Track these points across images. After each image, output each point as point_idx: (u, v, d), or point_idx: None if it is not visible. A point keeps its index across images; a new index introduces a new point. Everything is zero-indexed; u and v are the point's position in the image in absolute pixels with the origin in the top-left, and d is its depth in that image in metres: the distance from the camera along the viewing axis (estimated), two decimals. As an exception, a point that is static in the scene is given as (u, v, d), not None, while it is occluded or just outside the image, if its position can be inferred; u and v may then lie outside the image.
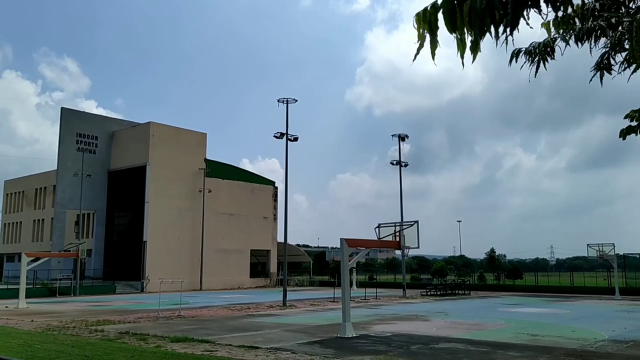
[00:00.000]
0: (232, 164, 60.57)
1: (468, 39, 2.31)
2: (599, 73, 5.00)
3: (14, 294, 33.37)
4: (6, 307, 28.68)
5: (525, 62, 4.73)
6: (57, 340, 13.37)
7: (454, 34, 2.19)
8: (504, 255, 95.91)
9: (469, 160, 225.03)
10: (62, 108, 52.64)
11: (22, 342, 12.53)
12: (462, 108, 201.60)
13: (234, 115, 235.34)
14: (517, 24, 2.24)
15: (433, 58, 2.32)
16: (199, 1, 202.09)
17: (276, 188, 62.77)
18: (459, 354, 12.62)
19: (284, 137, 32.65)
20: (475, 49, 2.33)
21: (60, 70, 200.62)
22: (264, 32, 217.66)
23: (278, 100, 32.19)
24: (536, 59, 4.66)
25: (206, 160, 54.52)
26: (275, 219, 61.29)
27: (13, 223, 68.96)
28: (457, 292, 41.40)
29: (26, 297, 30.13)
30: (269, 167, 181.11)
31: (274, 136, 33.04)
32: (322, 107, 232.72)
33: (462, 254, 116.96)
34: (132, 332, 16.47)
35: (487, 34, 2.28)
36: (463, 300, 35.29)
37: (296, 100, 32.48)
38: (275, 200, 62.04)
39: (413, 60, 2.47)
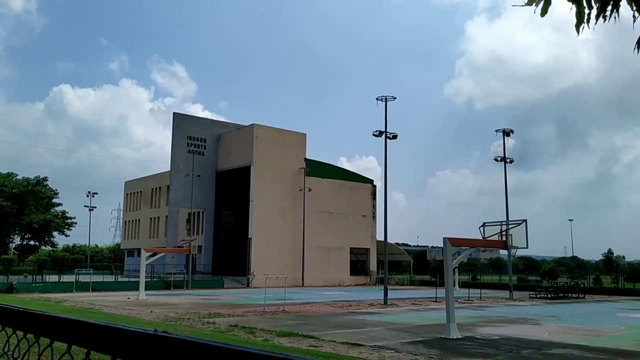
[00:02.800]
0: (331, 163, 61.52)
1: (586, 12, 2.25)
2: None
3: (134, 287, 36.25)
4: (128, 298, 31.26)
5: None
6: (176, 331, 14.39)
7: (572, 5, 2.15)
8: (623, 257, 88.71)
9: (581, 154, 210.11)
10: (174, 113, 56.43)
11: (145, 330, 13.67)
12: (574, 98, 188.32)
13: (331, 113, 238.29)
14: None
15: (542, 15, 2.29)
16: (296, 2, 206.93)
17: (374, 186, 62.75)
18: (574, 361, 11.94)
19: (383, 136, 32.56)
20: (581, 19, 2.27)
21: (170, 76, 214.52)
22: (359, 27, 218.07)
23: (377, 99, 32.17)
24: None
25: (306, 160, 55.75)
26: (374, 217, 61.30)
27: (132, 221, 74.90)
28: (569, 295, 38.95)
29: (145, 289, 32.65)
30: (366, 165, 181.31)
31: (373, 134, 33.06)
32: (420, 102, 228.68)
33: (574, 254, 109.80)
34: (240, 325, 17.28)
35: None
36: (577, 304, 33.15)
37: (395, 98, 32.27)
38: (374, 198, 62.02)
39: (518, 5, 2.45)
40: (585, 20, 2.21)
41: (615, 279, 50.55)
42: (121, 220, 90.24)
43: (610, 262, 68.95)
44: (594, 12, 2.17)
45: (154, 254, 36.00)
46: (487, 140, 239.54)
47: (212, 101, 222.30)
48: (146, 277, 35.76)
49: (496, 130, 40.22)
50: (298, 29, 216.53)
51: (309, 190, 54.16)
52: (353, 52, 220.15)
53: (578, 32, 2.27)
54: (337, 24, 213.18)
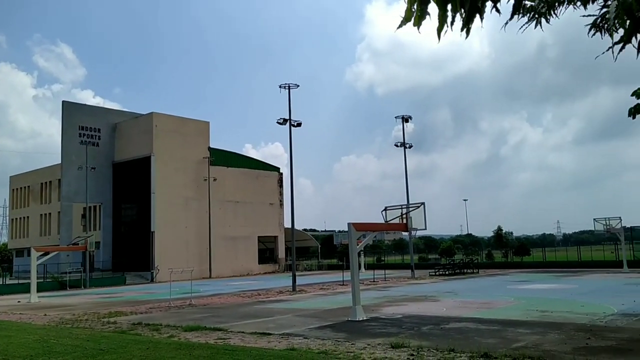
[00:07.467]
0: (236, 151, 60.70)
1: (449, 16, 2.28)
2: (599, 34, 4.91)
3: (25, 289, 33.72)
4: (18, 301, 29.01)
5: (527, 23, 4.57)
6: (72, 335, 13.52)
7: (439, 10, 2.17)
8: (511, 233, 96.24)
9: (474, 136, 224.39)
10: (63, 102, 52.70)
11: (37, 337, 12.68)
12: (468, 84, 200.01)
13: (235, 101, 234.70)
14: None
15: (418, 28, 2.31)
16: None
17: (281, 174, 62.80)
18: (469, 333, 12.71)
19: (287, 123, 32.55)
20: (441, 23, 2.31)
21: (56, 59, 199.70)
22: (259, 13, 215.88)
23: (280, 87, 32.06)
24: (535, 15, 4.55)
25: (210, 149, 54.56)
26: (281, 204, 61.44)
27: (20, 218, 69.44)
28: (465, 271, 41.55)
29: (37, 291, 30.47)
30: (272, 152, 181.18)
31: (277, 122, 32.94)
32: (323, 88, 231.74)
33: (469, 232, 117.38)
34: (144, 322, 16.61)
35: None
36: (472, 279, 35.42)
37: (298, 86, 32.32)
38: (281, 186, 62.12)
39: (396, 29, 2.48)
40: (449, 24, 2.23)
41: (505, 253, 54.62)
42: (7, 218, 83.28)
43: (500, 238, 74.35)
44: (459, 16, 2.19)
45: (46, 253, 33.64)
46: (389, 124, 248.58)
47: (104, 87, 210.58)
48: (38, 278, 33.40)
49: (395, 117, 41.68)
50: (197, 13, 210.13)
51: (214, 179, 53.15)
52: (253, 37, 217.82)
53: (439, 37, 2.29)
54: (236, 8, 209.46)
